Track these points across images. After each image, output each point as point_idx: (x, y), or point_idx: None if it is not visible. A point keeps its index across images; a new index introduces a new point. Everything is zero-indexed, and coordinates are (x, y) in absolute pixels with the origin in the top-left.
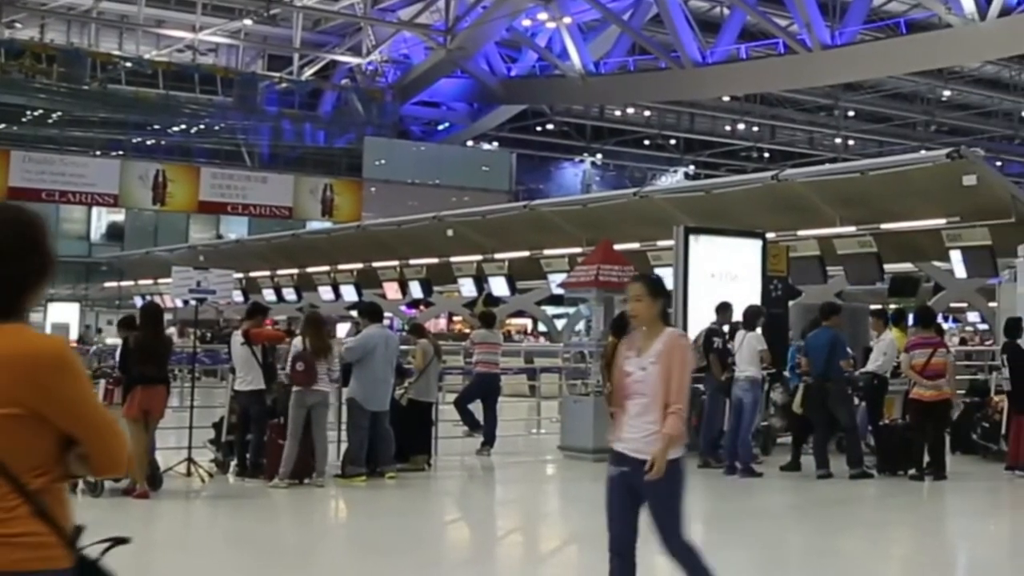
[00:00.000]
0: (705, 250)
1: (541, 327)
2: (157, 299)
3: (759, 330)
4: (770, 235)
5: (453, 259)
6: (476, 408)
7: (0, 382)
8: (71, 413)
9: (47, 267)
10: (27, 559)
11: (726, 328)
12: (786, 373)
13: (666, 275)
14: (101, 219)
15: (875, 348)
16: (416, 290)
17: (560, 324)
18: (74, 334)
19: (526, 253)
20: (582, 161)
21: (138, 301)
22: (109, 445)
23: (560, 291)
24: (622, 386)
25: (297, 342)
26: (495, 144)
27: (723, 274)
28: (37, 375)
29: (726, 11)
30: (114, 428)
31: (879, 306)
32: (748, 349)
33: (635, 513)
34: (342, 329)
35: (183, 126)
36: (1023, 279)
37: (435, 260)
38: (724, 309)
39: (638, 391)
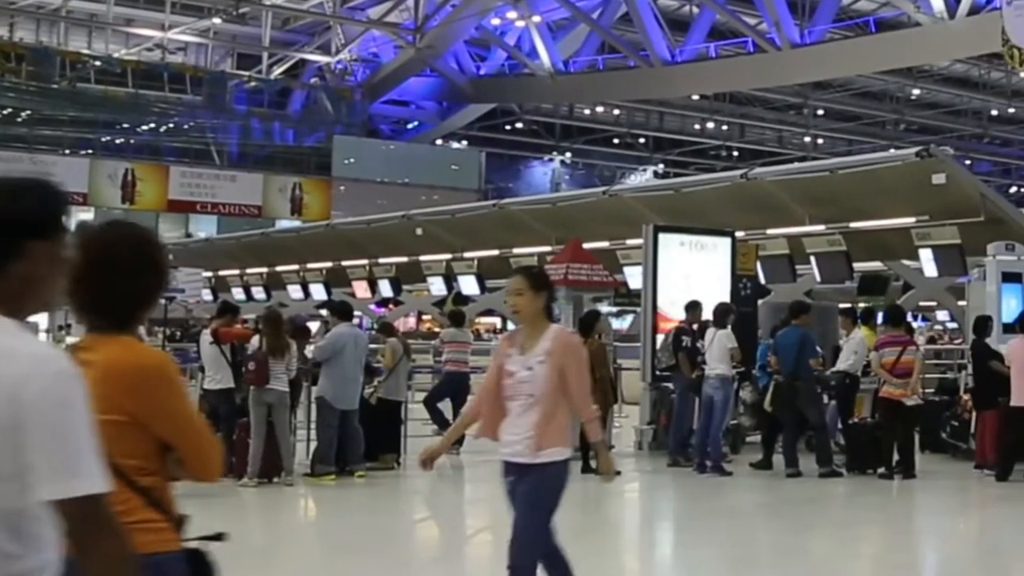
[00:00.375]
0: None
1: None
2: None
3: (729, 328)
4: (739, 234)
5: (422, 258)
6: (445, 407)
7: (108, 390)
8: (169, 422)
9: (161, 284)
10: (147, 542)
11: (695, 326)
12: (755, 371)
13: (635, 274)
14: (70, 218)
15: (845, 347)
16: (385, 289)
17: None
18: (43, 332)
19: (495, 252)
20: (551, 160)
21: None
22: (203, 452)
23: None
24: (502, 386)
25: (255, 341)
26: (464, 143)
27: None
28: (141, 386)
29: (695, 10)
30: (207, 437)
31: (848, 305)
32: (718, 347)
33: None
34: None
35: (152, 125)
36: (992, 278)
37: (404, 259)
38: (693, 307)
39: (522, 392)
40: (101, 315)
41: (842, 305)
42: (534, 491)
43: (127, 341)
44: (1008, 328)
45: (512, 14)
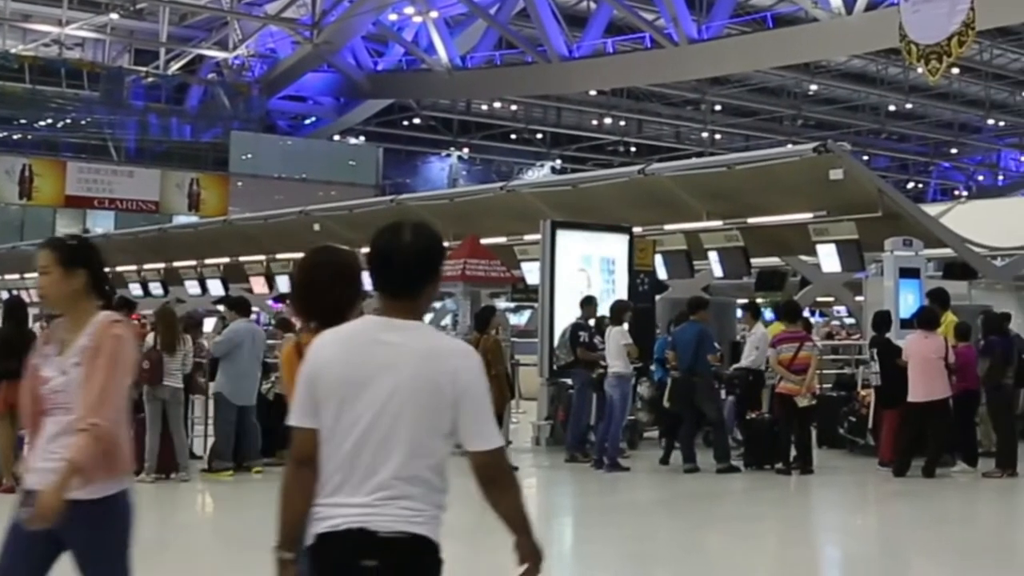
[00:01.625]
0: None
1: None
2: (23, 294)
3: (625, 325)
4: (637, 229)
5: None
6: None
7: None
8: None
9: (357, 295)
10: None
11: (591, 322)
12: (653, 367)
13: (533, 269)
14: None
15: (748, 342)
16: (283, 284)
17: (427, 318)
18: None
19: None
20: (449, 155)
21: (3, 295)
22: None
23: None
24: (37, 397)
25: (149, 338)
26: (362, 138)
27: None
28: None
29: (593, 5)
30: None
31: (745, 300)
32: (614, 344)
33: (44, 567)
34: (209, 324)
35: (49, 120)
36: (890, 273)
37: (302, 254)
38: (588, 303)
39: (58, 403)
40: (329, 319)
41: (740, 301)
42: (99, 538)
43: None
44: (906, 324)
45: (410, 10)
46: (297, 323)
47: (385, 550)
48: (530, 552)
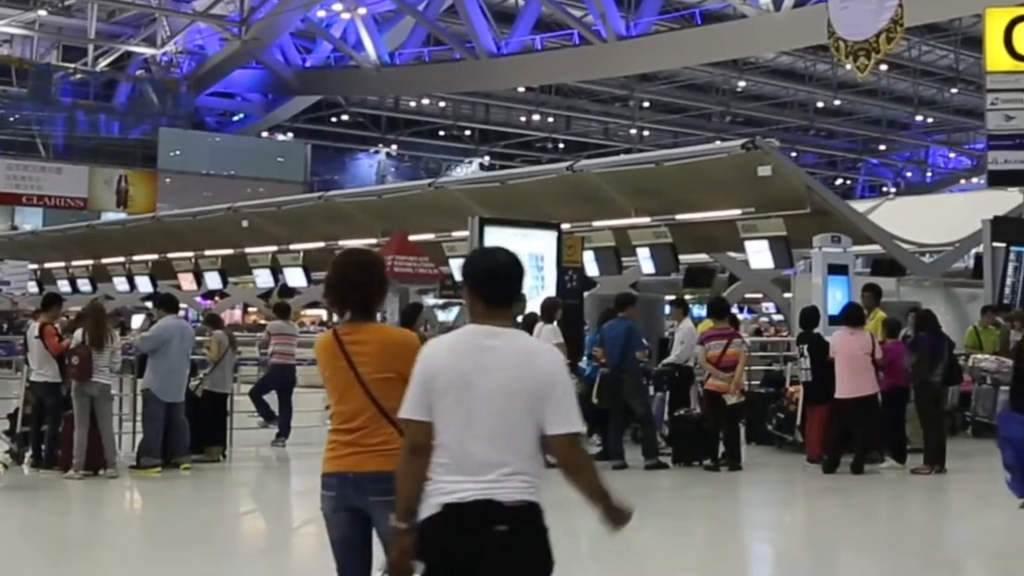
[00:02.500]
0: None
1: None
2: None
3: (555, 323)
4: (565, 226)
5: (248, 250)
6: (271, 399)
7: (386, 358)
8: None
9: (384, 290)
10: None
11: (520, 319)
12: (581, 364)
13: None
14: None
15: (675, 337)
16: (211, 281)
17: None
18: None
19: (321, 244)
20: (377, 152)
21: None
22: None
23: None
24: None
25: (77, 334)
26: (290, 135)
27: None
28: (407, 352)
29: (521, 2)
30: None
31: (673, 296)
32: (544, 342)
33: None
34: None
35: None
36: (818, 269)
37: (230, 251)
38: (517, 300)
39: None
40: (362, 310)
41: (668, 297)
42: None
43: (382, 326)
44: (834, 320)
45: (338, 6)
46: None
47: (510, 517)
48: (616, 516)
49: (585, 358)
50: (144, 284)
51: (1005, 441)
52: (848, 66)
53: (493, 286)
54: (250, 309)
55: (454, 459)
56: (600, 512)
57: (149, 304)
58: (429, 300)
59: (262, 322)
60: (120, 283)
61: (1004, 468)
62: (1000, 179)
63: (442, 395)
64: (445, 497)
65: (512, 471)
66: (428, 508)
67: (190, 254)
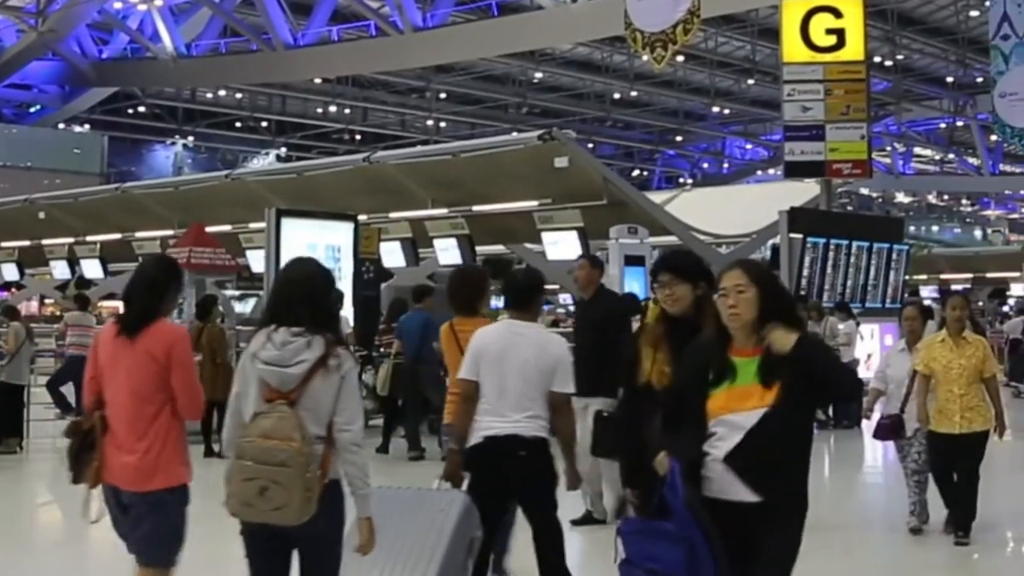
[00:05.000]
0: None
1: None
2: None
3: (346, 313)
4: (362, 217)
5: (45, 242)
6: (68, 390)
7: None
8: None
9: (485, 296)
10: None
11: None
12: (376, 355)
13: (258, 257)
14: None
15: None
16: (8, 272)
17: None
18: None
19: (118, 236)
20: (174, 143)
21: None
22: None
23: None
24: None
25: None
26: (87, 127)
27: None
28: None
29: None
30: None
31: None
32: None
33: None
34: None
35: None
36: (615, 261)
37: (27, 242)
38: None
39: None
40: (465, 308)
41: None
42: None
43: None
44: None
45: None
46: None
47: (528, 446)
48: (572, 477)
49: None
50: None
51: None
52: (645, 57)
53: (513, 295)
54: (47, 300)
55: (492, 407)
56: (565, 467)
57: None
58: (226, 291)
59: (59, 313)
60: None
61: None
62: (796, 170)
63: (487, 364)
64: (485, 431)
65: (531, 416)
66: (474, 438)
67: None
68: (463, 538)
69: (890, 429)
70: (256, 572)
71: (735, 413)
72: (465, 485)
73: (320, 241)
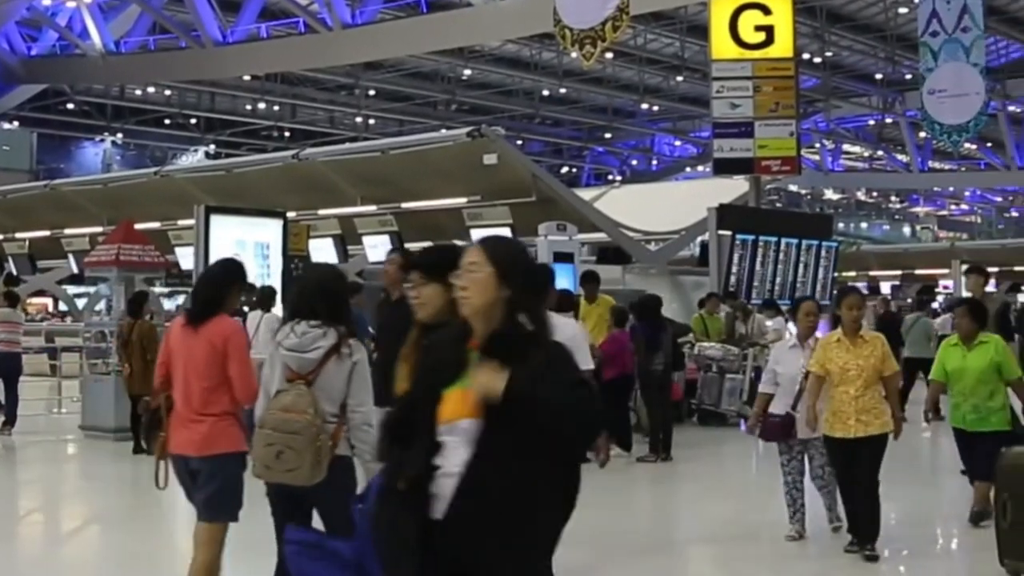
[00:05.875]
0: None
1: (62, 306)
2: None
3: (277, 311)
4: (291, 214)
5: None
6: None
7: None
8: None
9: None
10: None
11: (246, 309)
12: None
13: (187, 254)
14: None
15: None
16: None
17: (81, 303)
18: None
19: (47, 233)
20: (103, 140)
21: None
22: None
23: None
24: None
25: None
26: (15, 124)
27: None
28: None
29: None
30: None
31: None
32: (266, 331)
33: None
34: None
35: None
36: (544, 257)
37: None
38: (250, 290)
39: None
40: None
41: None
42: None
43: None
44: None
45: None
46: None
47: None
48: (603, 449)
49: None
50: None
51: None
52: (574, 54)
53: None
54: None
55: None
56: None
57: None
58: (156, 288)
59: None
60: None
61: None
62: (725, 167)
63: None
64: None
65: None
66: None
67: None
68: None
69: (780, 428)
70: (278, 527)
71: (467, 419)
72: None
73: (249, 238)
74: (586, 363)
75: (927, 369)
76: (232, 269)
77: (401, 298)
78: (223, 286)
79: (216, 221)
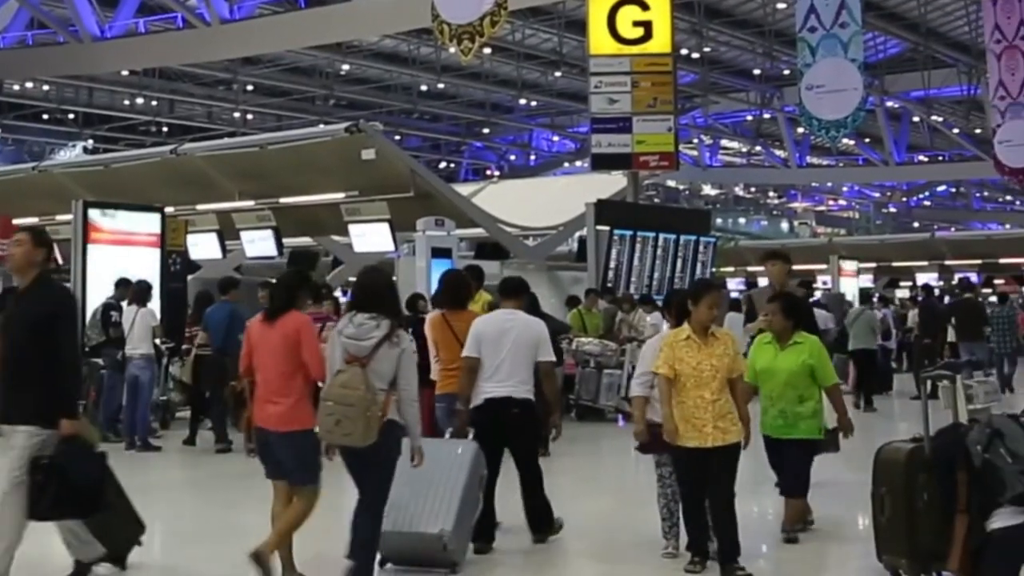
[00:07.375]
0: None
1: None
2: None
3: (151, 305)
4: (169, 209)
5: None
6: None
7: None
8: None
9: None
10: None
11: (124, 303)
12: (185, 347)
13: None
14: None
15: None
16: None
17: None
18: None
19: None
20: None
21: None
22: None
23: None
24: None
25: None
26: None
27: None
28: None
29: None
30: None
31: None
32: (142, 326)
33: None
34: None
35: None
36: (422, 253)
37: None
38: (123, 284)
39: None
40: (451, 304)
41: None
42: None
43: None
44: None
45: None
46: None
47: (519, 405)
48: (559, 426)
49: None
50: None
51: None
52: (452, 49)
53: (506, 290)
54: None
55: (491, 375)
56: (552, 418)
57: None
58: None
59: None
60: None
61: None
62: (603, 162)
63: (486, 344)
64: (486, 394)
65: (519, 382)
66: (476, 400)
67: None
68: (475, 473)
69: (656, 439)
70: (351, 474)
71: None
72: (471, 436)
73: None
74: (548, 356)
75: (873, 361)
76: (303, 275)
77: (32, 284)
78: (295, 288)
79: (95, 216)
